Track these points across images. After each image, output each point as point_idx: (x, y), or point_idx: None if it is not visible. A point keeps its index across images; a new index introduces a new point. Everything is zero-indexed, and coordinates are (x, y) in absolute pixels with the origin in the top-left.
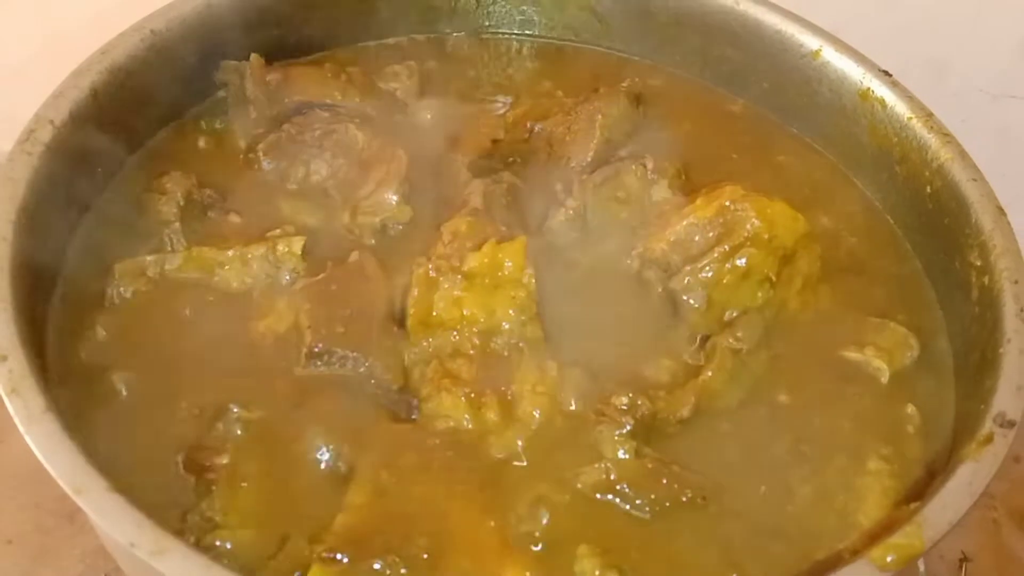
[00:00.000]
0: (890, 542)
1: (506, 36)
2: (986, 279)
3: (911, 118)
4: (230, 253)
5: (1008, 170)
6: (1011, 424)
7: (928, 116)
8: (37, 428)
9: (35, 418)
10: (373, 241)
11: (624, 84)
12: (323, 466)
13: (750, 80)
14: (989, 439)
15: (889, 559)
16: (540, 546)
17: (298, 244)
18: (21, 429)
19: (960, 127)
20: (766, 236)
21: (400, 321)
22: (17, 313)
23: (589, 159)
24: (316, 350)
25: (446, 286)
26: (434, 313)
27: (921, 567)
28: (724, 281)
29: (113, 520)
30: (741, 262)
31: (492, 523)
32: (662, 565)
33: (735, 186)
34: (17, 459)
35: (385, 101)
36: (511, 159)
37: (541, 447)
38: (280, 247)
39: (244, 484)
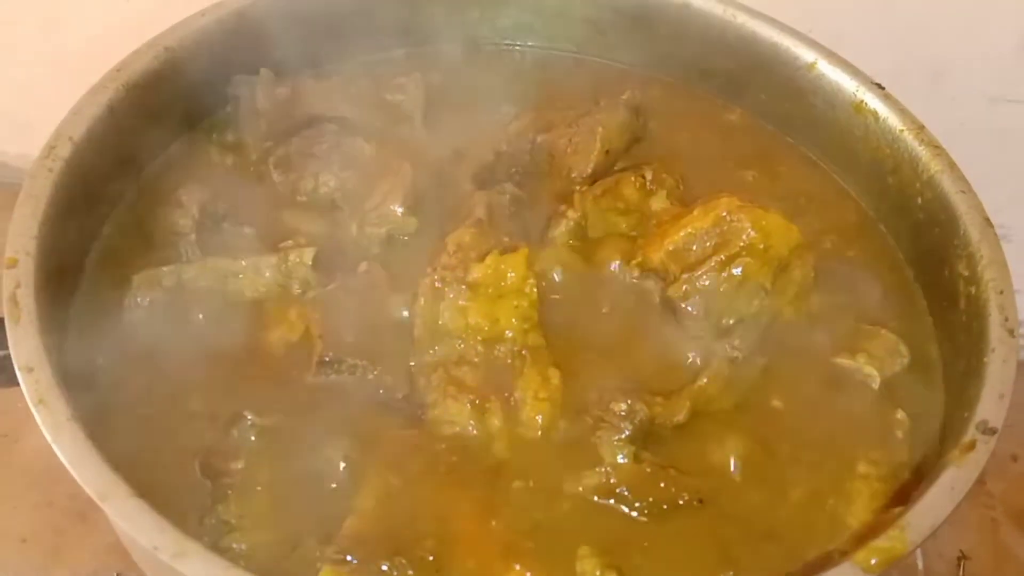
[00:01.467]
0: (874, 545)
1: (508, 48)
2: (973, 289)
3: (903, 130)
4: (244, 263)
5: (1006, 172)
6: (993, 431)
7: (919, 128)
8: (63, 437)
9: (61, 427)
10: (380, 251)
11: (624, 96)
12: (333, 471)
13: (747, 92)
14: (972, 446)
15: (873, 561)
16: (542, 547)
17: (309, 255)
18: (48, 438)
19: (958, 130)
20: (761, 246)
21: (407, 330)
22: (42, 325)
23: (590, 170)
24: (327, 359)
25: (451, 296)
26: (440, 322)
27: (920, 565)
28: (721, 290)
29: (137, 525)
30: (737, 271)
31: (496, 525)
32: (660, 565)
33: (731, 197)
34: (30, 458)
35: (391, 114)
36: (513, 170)
37: (543, 451)
38: (292, 257)
39: (258, 488)
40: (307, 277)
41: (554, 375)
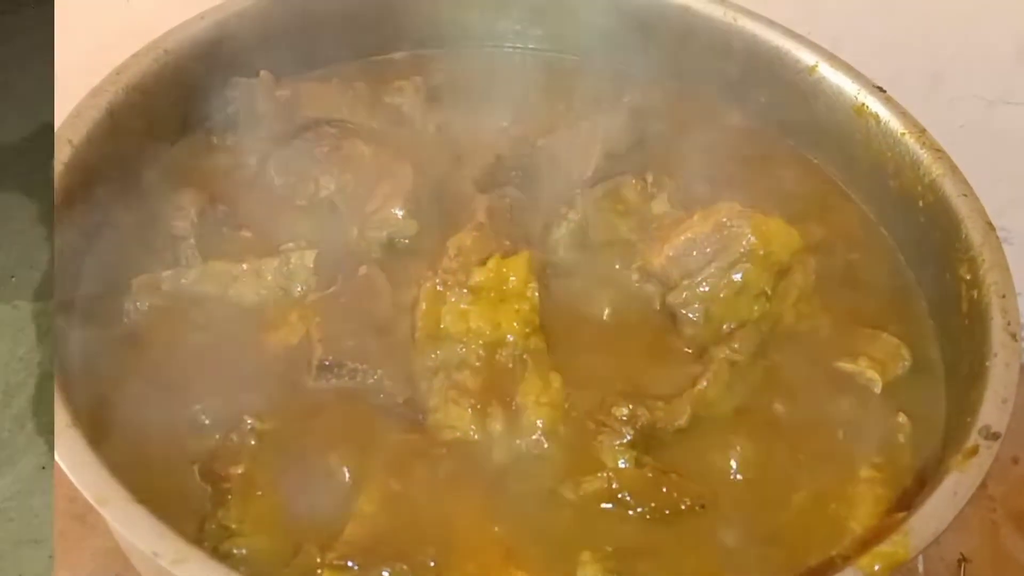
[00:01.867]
0: (877, 550)
1: (510, 51)
2: (975, 293)
3: (904, 134)
4: (244, 267)
5: (1006, 175)
6: (995, 436)
7: (921, 132)
8: (63, 442)
9: (61, 432)
10: (380, 255)
11: (625, 99)
12: (334, 476)
13: (748, 95)
14: (974, 451)
15: (876, 567)
16: (544, 553)
17: (310, 257)
18: None
19: (958, 132)
20: (762, 252)
21: (408, 334)
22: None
23: (590, 174)
24: (327, 363)
25: (452, 300)
26: (441, 326)
27: (920, 568)
28: (721, 295)
29: (137, 530)
30: (737, 277)
31: (497, 531)
32: (662, 570)
33: (732, 203)
34: None
35: (391, 116)
36: (514, 173)
37: (545, 457)
38: (293, 260)
39: (258, 493)
40: (307, 280)
41: (555, 379)
